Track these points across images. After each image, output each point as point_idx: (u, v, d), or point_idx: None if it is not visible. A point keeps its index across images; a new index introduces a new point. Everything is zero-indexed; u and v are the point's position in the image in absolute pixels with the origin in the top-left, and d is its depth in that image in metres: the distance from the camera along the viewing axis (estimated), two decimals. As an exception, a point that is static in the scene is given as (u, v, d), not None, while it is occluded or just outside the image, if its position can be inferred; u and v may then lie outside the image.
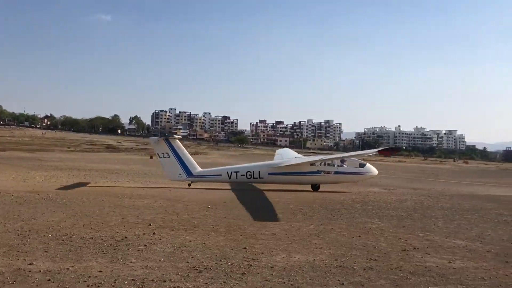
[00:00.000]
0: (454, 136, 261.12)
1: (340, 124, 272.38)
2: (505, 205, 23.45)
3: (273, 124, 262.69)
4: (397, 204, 21.64)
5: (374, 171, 28.67)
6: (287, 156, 35.01)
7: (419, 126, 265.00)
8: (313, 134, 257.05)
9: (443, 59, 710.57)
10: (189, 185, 26.16)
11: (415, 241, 13.13)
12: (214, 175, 27.22)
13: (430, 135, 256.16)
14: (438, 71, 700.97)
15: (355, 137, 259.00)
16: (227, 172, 27.20)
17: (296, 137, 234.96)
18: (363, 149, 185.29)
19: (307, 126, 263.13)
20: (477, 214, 19.39)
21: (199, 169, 26.67)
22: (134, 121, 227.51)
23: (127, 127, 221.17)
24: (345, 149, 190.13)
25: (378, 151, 29.50)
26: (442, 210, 20.18)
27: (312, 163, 27.65)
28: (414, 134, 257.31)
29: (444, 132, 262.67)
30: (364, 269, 9.90)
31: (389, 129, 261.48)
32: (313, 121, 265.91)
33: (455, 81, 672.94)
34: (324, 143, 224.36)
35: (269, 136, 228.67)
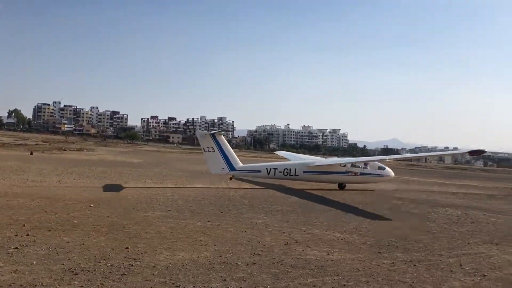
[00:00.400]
0: (338, 134, 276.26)
1: (233, 121, 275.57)
2: (381, 198, 25.30)
3: (165, 120, 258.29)
4: (284, 199, 22.32)
5: (392, 173, 31.35)
6: (295, 158, 36.24)
7: (306, 125, 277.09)
8: (206, 130, 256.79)
9: (327, 64, 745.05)
10: (231, 179, 28.56)
11: (297, 234, 13.60)
12: (254, 171, 29.52)
13: (316, 133, 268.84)
14: (327, 74, 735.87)
15: (247, 135, 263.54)
16: (266, 168, 29.00)
17: (189, 133, 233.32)
18: (254, 146, 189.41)
19: (200, 122, 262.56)
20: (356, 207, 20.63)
21: (241, 164, 28.45)
22: (13, 114, 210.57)
23: (5, 121, 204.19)
24: (237, 146, 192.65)
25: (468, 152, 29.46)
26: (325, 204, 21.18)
27: (342, 164, 30.01)
28: (302, 132, 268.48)
29: (328, 130, 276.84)
30: (247, 264, 10.02)
31: (279, 127, 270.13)
32: (207, 117, 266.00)
33: (340, 85, 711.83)
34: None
35: (161, 133, 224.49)
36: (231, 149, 28.85)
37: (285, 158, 37.86)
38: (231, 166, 28.06)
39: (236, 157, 28.69)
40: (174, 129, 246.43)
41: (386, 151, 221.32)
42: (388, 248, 12.48)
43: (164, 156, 68.21)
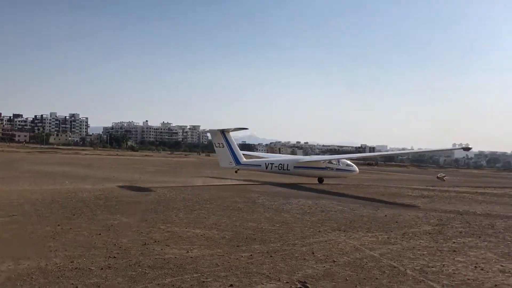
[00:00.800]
0: (198, 131, 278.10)
1: (87, 118, 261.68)
2: (238, 192, 25.89)
3: (10, 117, 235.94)
4: (142, 198, 21.67)
5: (357, 170, 37.71)
6: (274, 157, 41.99)
7: (165, 122, 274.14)
8: (57, 128, 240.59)
9: (181, 60, 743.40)
10: (236, 172, 33.59)
11: (156, 234, 13.24)
12: (256, 165, 34.91)
13: (176, 130, 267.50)
14: (184, 71, 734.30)
15: (102, 132, 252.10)
16: (265, 163, 34.47)
17: (37, 131, 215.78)
18: (111, 144, 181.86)
19: (50, 120, 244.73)
20: (215, 203, 20.80)
21: (244, 159, 33.36)
22: None
23: None
24: (92, 144, 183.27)
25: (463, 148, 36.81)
26: (184, 201, 21.01)
27: (324, 161, 36.14)
28: (161, 129, 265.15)
29: (188, 127, 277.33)
30: (102, 269, 9.45)
31: (137, 124, 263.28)
32: (57, 114, 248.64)
33: (198, 80, 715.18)
34: (70, 138, 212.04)
35: (6, 131, 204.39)
36: (237, 146, 33.46)
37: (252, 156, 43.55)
38: (237, 161, 32.84)
39: (241, 153, 33.54)
40: (20, 126, 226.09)
41: (244, 146, 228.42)
42: (247, 241, 12.75)
43: (8, 157, 62.21)
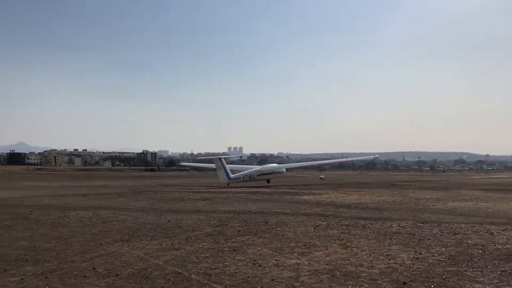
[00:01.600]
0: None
1: None
2: (5, 208, 23.05)
3: None
4: None
5: (284, 170, 57.78)
6: (248, 169, 55.47)
7: None
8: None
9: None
10: (228, 184, 47.96)
11: None
12: (238, 178, 49.86)
13: None
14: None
15: None
16: (243, 175, 50.57)
17: None
18: None
19: None
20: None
21: (232, 175, 49.18)
22: None
23: None
24: None
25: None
26: None
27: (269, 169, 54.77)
28: None
29: None
30: None
31: None
32: None
33: None
34: None
35: None
36: (227, 166, 49.83)
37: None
38: (228, 177, 49.10)
39: (229, 171, 49.75)
40: None
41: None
42: (16, 263, 11.29)
43: None
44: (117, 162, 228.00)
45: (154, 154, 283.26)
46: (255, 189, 42.22)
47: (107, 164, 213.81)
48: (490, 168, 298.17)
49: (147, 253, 12.65)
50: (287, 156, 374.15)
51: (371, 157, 69.75)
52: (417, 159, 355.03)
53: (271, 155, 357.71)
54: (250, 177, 50.67)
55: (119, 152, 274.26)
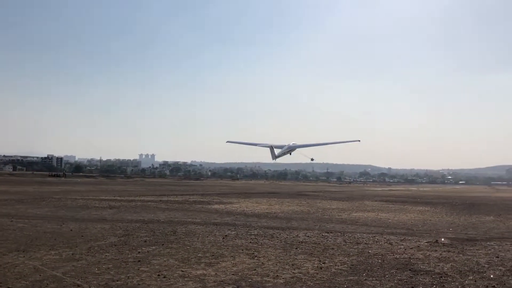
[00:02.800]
0: None
1: None
2: None
3: None
4: None
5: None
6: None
7: None
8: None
9: None
10: (274, 160, 66.30)
11: None
12: (279, 155, 66.43)
13: None
14: None
15: None
16: (282, 152, 66.62)
17: None
18: None
19: None
20: None
21: (276, 154, 65.85)
22: None
23: None
24: None
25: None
26: None
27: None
28: None
29: None
30: None
31: None
32: None
33: None
34: None
35: None
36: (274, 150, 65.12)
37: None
38: (274, 156, 65.29)
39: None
40: None
41: None
42: None
43: None
44: (19, 167, 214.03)
45: (60, 159, 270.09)
46: (165, 198, 41.45)
47: (8, 168, 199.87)
48: (391, 181, 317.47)
49: (45, 264, 11.86)
50: (200, 165, 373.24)
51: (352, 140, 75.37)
52: (325, 170, 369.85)
53: (184, 163, 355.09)
54: (284, 153, 65.35)
55: (21, 156, 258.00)
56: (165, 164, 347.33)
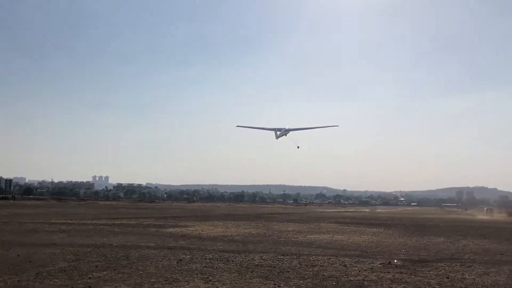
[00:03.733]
0: None
1: None
2: None
3: None
4: None
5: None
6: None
7: None
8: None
9: None
10: (277, 138, 74.02)
11: None
12: (280, 135, 73.30)
13: None
14: None
15: None
16: (281, 133, 72.77)
17: None
18: None
19: None
20: None
21: (278, 134, 73.45)
22: None
23: None
24: None
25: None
26: None
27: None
28: None
29: None
30: None
31: None
32: None
33: None
34: None
35: None
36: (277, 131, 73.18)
37: None
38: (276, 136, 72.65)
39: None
40: None
41: None
42: None
43: None
44: None
45: (9, 181, 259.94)
46: (118, 221, 40.50)
47: None
48: (347, 202, 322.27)
49: (-13, 292, 11.31)
50: (155, 187, 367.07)
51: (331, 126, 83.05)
52: (282, 192, 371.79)
53: (139, 185, 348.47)
54: (282, 134, 71.79)
55: None
56: (119, 186, 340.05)
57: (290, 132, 75.28)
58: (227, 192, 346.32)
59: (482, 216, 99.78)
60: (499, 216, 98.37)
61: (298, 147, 76.41)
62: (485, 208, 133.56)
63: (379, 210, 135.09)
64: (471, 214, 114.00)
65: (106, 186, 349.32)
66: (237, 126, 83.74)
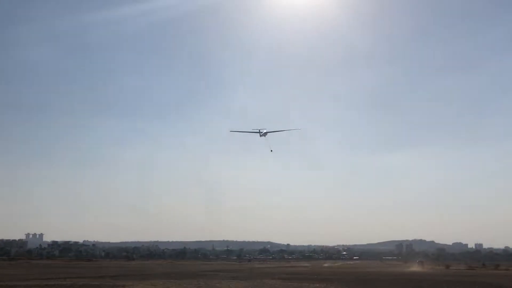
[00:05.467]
0: None
1: None
2: None
3: None
4: None
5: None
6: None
7: None
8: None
9: None
10: (260, 136, 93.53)
11: None
12: (262, 134, 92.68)
13: None
14: None
15: None
16: (263, 133, 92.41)
17: None
18: None
19: None
20: None
21: (261, 132, 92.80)
22: None
23: None
24: None
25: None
26: None
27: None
28: None
29: None
30: None
31: None
32: None
33: None
34: None
35: None
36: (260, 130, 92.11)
37: None
38: (260, 135, 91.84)
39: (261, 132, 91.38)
40: None
41: None
42: None
43: None
44: None
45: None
46: (52, 282, 38.43)
47: None
48: (290, 257, 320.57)
49: None
50: (93, 245, 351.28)
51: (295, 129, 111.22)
52: (225, 248, 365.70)
53: (76, 243, 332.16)
54: (262, 134, 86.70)
55: None
56: (54, 244, 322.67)
57: (268, 133, 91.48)
58: (168, 249, 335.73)
59: (415, 268, 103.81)
60: (429, 268, 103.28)
61: (271, 150, 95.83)
62: (417, 261, 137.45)
63: (326, 265, 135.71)
64: (408, 266, 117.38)
65: (40, 244, 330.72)
66: (230, 131, 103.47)
